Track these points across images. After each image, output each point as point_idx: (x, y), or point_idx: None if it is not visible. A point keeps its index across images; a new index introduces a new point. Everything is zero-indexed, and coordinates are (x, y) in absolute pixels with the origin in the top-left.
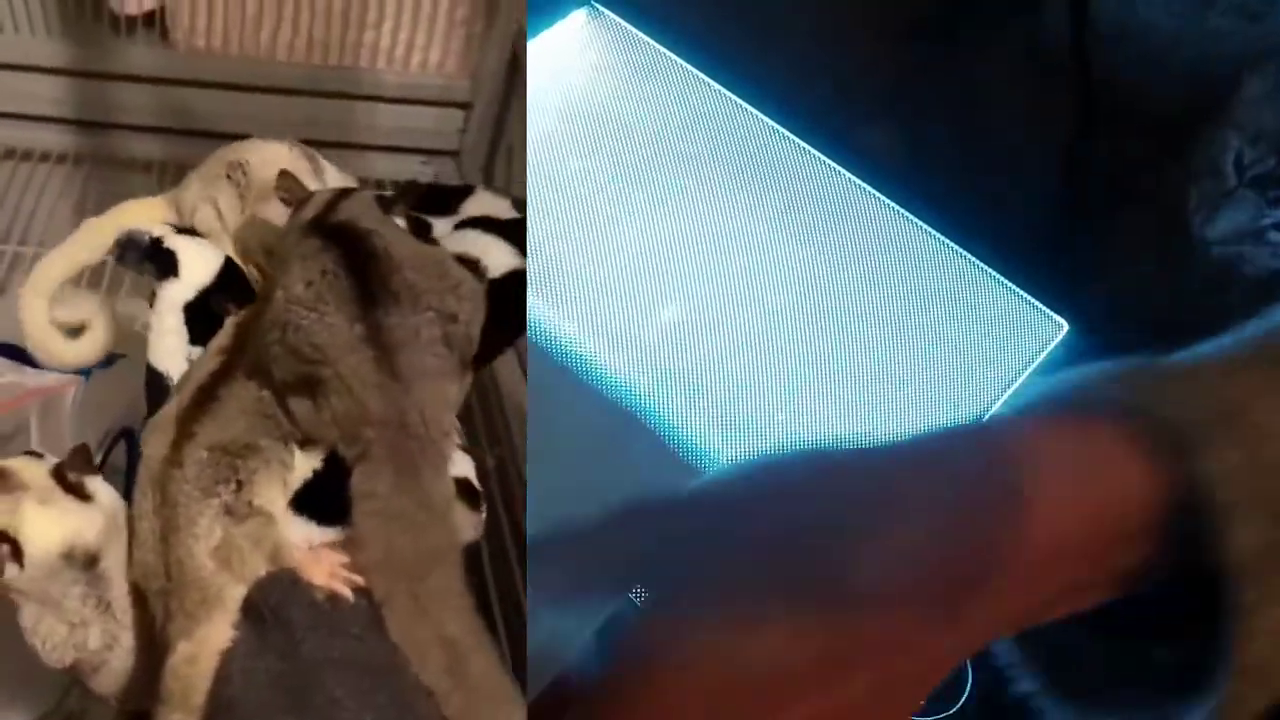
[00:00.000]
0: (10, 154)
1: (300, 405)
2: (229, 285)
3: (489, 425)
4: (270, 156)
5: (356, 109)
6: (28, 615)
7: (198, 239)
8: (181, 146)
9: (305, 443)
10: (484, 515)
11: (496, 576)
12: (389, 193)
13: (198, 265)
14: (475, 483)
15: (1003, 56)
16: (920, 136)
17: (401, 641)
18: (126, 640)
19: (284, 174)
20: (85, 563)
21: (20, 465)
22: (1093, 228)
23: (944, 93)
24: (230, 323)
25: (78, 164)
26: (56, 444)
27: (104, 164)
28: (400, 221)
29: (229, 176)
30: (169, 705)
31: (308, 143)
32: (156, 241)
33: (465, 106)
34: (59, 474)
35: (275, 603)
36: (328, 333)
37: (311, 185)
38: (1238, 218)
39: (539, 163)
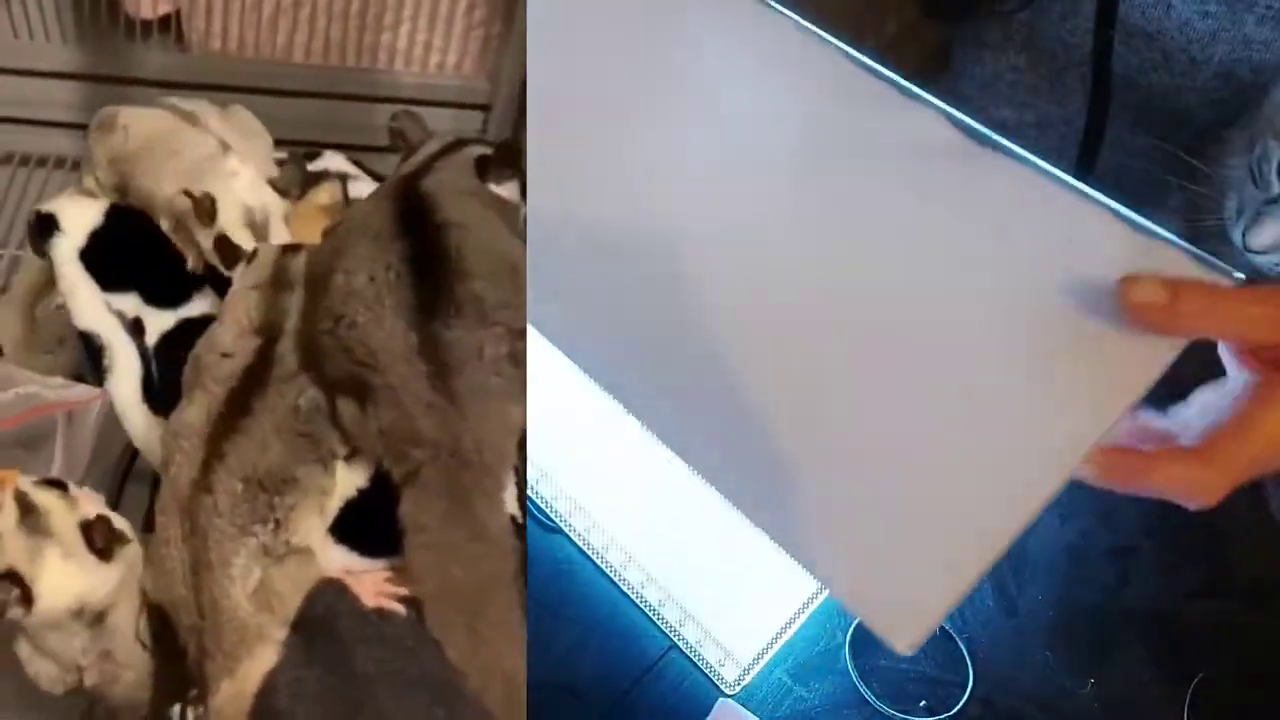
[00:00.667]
0: (27, 160)
1: (348, 408)
2: (122, 224)
3: None
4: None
5: (374, 111)
6: (23, 649)
7: (74, 197)
8: None
9: (350, 455)
10: (526, 547)
11: None
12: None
13: (77, 214)
14: (519, 516)
15: (1017, 46)
16: None
17: (462, 668)
18: (129, 676)
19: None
20: (92, 620)
21: (51, 506)
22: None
23: (953, 79)
24: (248, 284)
25: None
26: (79, 458)
27: None
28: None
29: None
30: None
31: (325, 145)
32: (36, 212)
33: (484, 108)
34: (87, 532)
35: (322, 612)
36: (383, 336)
37: (192, 141)
38: None
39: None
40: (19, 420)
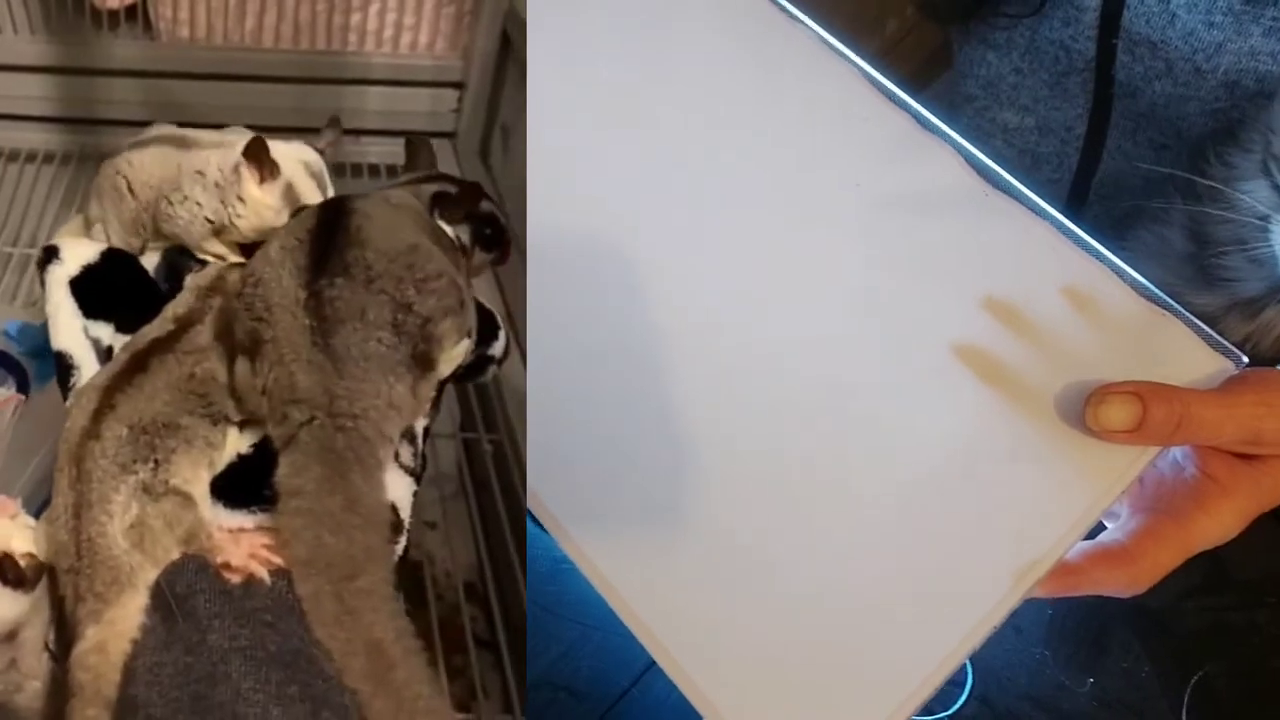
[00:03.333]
0: None
1: (242, 365)
2: (115, 266)
3: (485, 411)
4: (142, 161)
5: (346, 93)
6: None
7: (81, 239)
8: None
9: (245, 424)
10: (402, 546)
11: (494, 567)
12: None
13: (78, 249)
14: (402, 514)
15: (1020, 50)
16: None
17: (324, 642)
18: (34, 686)
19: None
20: (5, 638)
21: None
22: (1102, 229)
23: (955, 81)
24: (190, 290)
25: (65, 162)
26: None
27: (92, 160)
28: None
29: (115, 188)
30: (80, 699)
31: (299, 130)
32: (45, 246)
33: (458, 86)
34: (1, 568)
35: (181, 591)
36: (278, 293)
37: (190, 155)
38: None
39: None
40: None
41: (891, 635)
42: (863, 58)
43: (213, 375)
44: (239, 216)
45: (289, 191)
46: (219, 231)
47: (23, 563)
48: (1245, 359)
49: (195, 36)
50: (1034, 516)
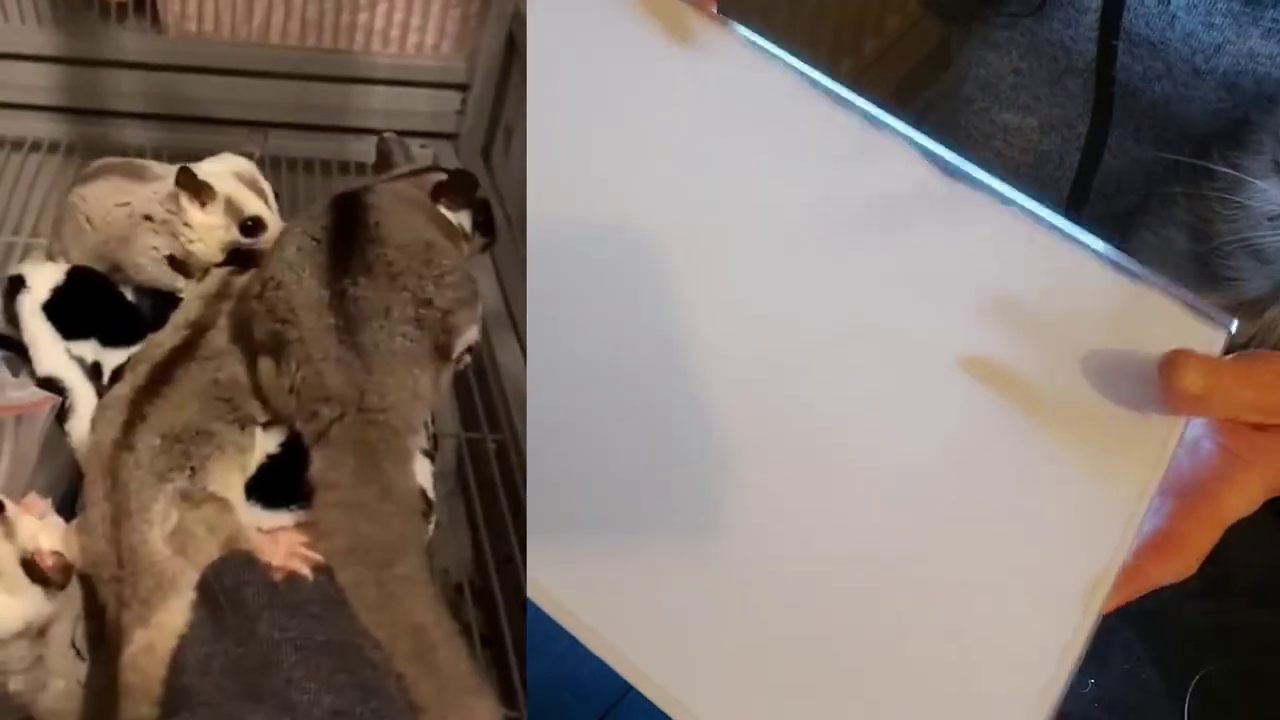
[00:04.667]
0: (1, 144)
1: (265, 365)
2: (83, 283)
3: (488, 409)
4: (96, 194)
5: (351, 92)
6: None
7: (41, 262)
8: (174, 133)
9: (268, 424)
10: (433, 528)
11: (496, 565)
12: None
13: (43, 273)
14: (430, 494)
15: (1020, 49)
16: (929, 135)
17: (369, 629)
18: (59, 685)
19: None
20: (35, 635)
21: None
22: (1103, 228)
23: (954, 80)
24: (195, 295)
25: (70, 153)
26: (24, 467)
27: (96, 152)
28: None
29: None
30: (131, 700)
31: (301, 128)
32: (10, 277)
33: (462, 88)
34: (30, 566)
35: (229, 584)
36: (301, 294)
37: (137, 191)
38: None
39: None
40: None
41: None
42: (862, 59)
43: (235, 379)
44: (192, 243)
45: (230, 206)
46: (182, 265)
47: (50, 561)
48: (1235, 323)
49: (202, 31)
50: (1079, 526)
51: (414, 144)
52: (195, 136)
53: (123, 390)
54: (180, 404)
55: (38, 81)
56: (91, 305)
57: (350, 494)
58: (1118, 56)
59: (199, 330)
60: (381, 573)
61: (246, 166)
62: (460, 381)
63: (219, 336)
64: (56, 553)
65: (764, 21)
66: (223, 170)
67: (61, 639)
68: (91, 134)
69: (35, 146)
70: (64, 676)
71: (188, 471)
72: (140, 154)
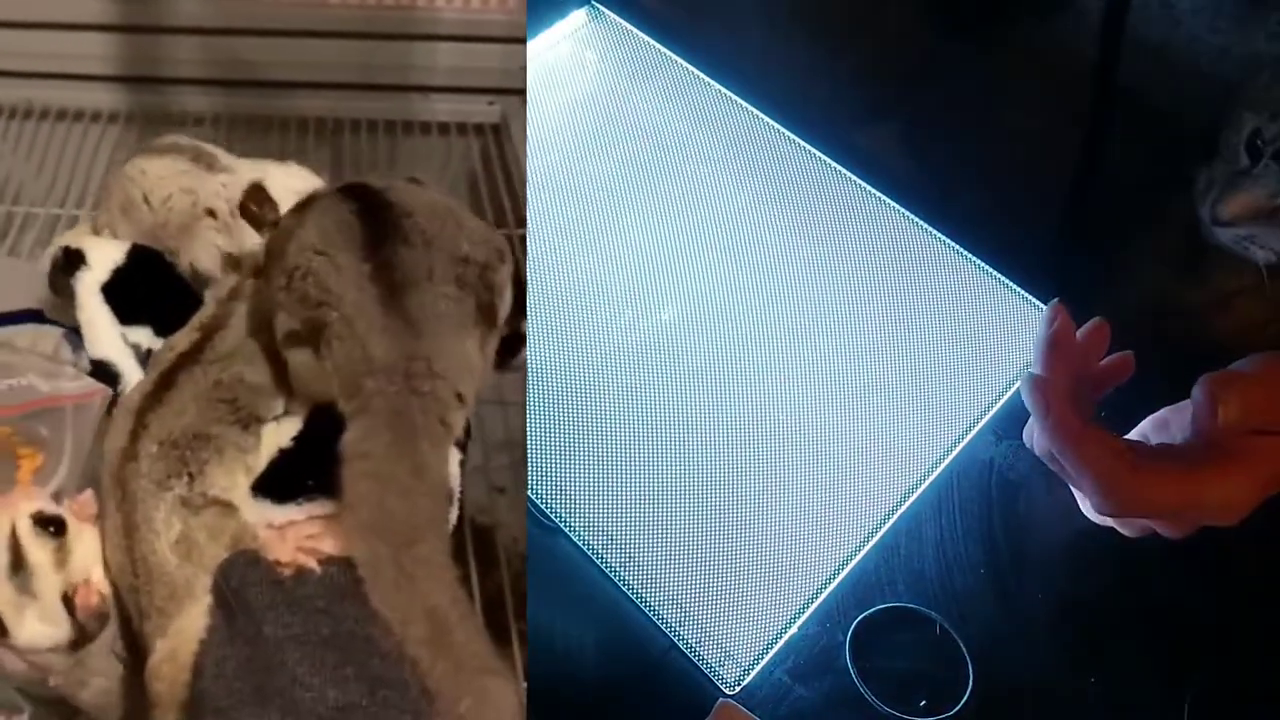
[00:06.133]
0: (62, 115)
1: (300, 357)
2: (143, 264)
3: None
4: (159, 172)
5: (415, 50)
6: None
7: (100, 237)
8: (235, 97)
9: (282, 416)
10: (454, 517)
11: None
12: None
13: (105, 251)
14: (455, 486)
15: (1019, 58)
16: (927, 136)
17: (383, 609)
18: (100, 683)
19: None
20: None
21: (40, 564)
22: (1104, 233)
23: (952, 92)
24: (212, 301)
25: (130, 122)
26: (78, 460)
27: (156, 121)
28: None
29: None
30: (160, 709)
31: (365, 88)
32: (65, 248)
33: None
34: (69, 602)
35: (235, 585)
36: (336, 274)
37: (205, 181)
38: (1255, 193)
39: (539, 165)
40: (12, 412)
41: None
42: (862, 59)
43: (240, 379)
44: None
45: None
46: (237, 263)
47: (93, 602)
48: (1056, 300)
49: None
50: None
51: (481, 100)
52: (255, 101)
53: (133, 398)
54: (180, 409)
55: (93, 50)
56: (149, 289)
57: (383, 465)
58: (1120, 60)
59: (209, 332)
60: (402, 552)
61: (313, 182)
62: None
63: (229, 337)
64: (101, 595)
65: (764, 21)
66: (289, 187)
67: (102, 645)
68: (150, 102)
69: (95, 117)
70: (103, 675)
71: (186, 478)
72: (200, 121)
